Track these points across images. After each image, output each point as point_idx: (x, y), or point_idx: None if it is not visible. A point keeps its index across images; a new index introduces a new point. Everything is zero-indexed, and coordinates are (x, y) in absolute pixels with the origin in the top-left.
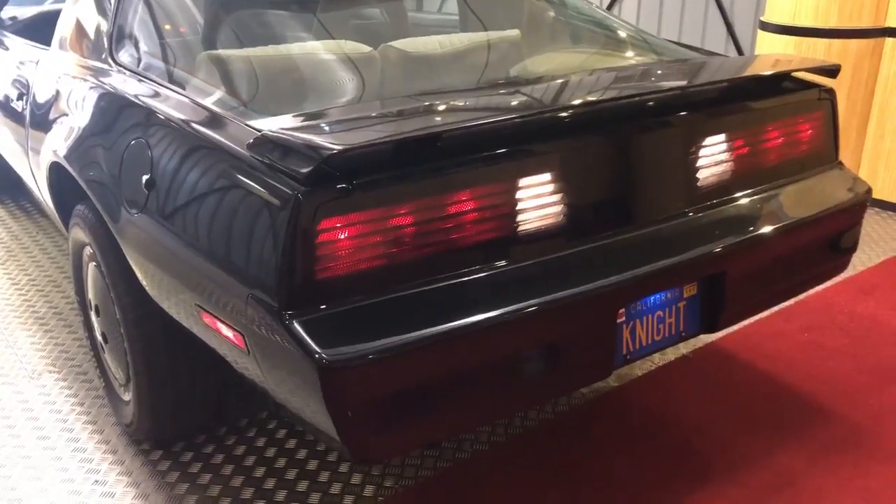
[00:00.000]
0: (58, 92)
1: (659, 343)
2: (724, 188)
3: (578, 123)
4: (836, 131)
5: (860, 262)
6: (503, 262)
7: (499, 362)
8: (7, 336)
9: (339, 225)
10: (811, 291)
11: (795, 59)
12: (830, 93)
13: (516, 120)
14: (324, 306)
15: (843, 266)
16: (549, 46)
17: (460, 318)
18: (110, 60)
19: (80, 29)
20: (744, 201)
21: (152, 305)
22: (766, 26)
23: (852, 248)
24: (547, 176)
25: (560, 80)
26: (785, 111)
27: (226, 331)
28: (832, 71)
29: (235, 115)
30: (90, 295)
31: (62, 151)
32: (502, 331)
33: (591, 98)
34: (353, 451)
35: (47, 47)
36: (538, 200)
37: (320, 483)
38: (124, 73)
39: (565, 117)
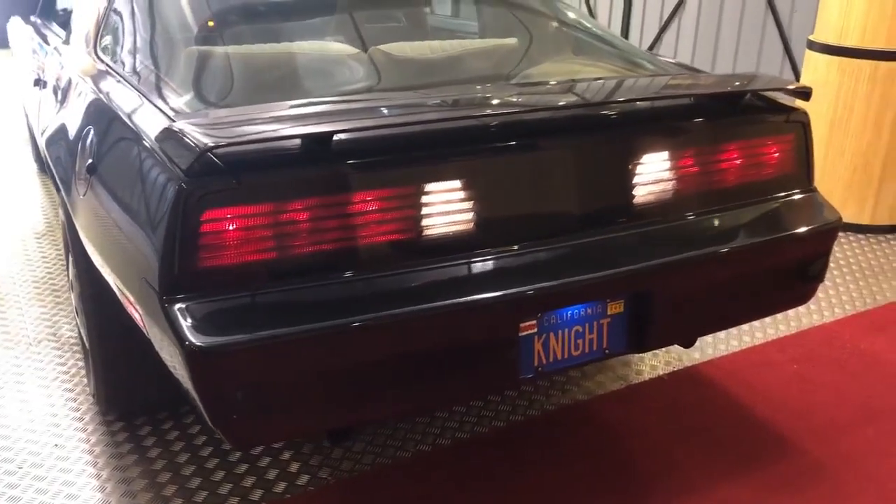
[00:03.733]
0: (56, 80)
1: (578, 358)
2: (664, 207)
3: (499, 131)
4: (808, 156)
5: (881, 295)
6: (392, 267)
7: (376, 364)
8: (22, 304)
9: (222, 217)
10: (815, 322)
11: (766, 79)
12: (802, 115)
13: (423, 125)
14: (202, 295)
15: (805, 296)
16: (540, 56)
17: (336, 318)
18: (94, 54)
19: (80, 23)
20: (685, 221)
21: (104, 282)
22: (812, 45)
23: (817, 278)
24: (450, 183)
25: (517, 88)
26: (747, 132)
27: (132, 311)
28: (804, 94)
29: (169, 110)
30: (69, 270)
31: (44, 134)
32: (376, 333)
33: (520, 107)
34: (225, 434)
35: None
36: (436, 207)
37: (259, 468)
38: (100, 66)
39: (487, 124)
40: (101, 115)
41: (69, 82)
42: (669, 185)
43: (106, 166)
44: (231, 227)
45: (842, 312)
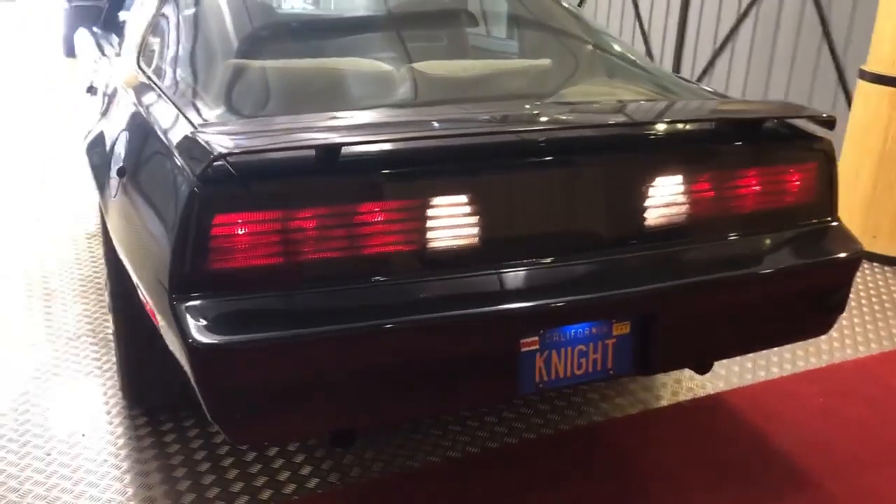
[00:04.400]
0: (104, 88)
1: (581, 378)
2: (675, 230)
3: (510, 149)
4: (831, 185)
5: None
6: (395, 277)
7: (374, 371)
8: (67, 301)
9: (232, 222)
10: (849, 356)
11: (790, 107)
12: (825, 144)
13: (430, 140)
14: (210, 296)
15: (823, 327)
16: (572, 78)
17: (336, 324)
18: (137, 64)
19: (129, 35)
20: (696, 245)
21: (130, 281)
22: (864, 75)
23: (836, 309)
24: (457, 198)
25: (533, 107)
26: (766, 159)
27: (149, 309)
28: (829, 123)
29: (195, 119)
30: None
31: (86, 139)
32: (376, 341)
33: (532, 126)
34: (224, 430)
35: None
36: (442, 221)
37: (272, 469)
38: (140, 76)
39: (498, 142)
40: (134, 122)
41: (112, 90)
42: (682, 209)
43: (133, 170)
44: (240, 232)
45: (878, 348)
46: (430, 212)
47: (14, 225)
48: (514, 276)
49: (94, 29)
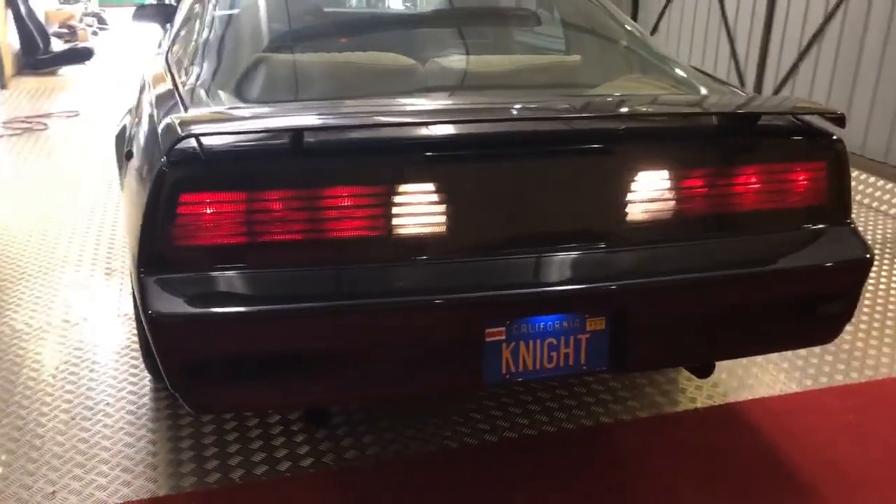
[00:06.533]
0: (140, 81)
1: (552, 371)
2: (659, 227)
3: (486, 139)
4: (842, 186)
5: None
6: (353, 261)
7: (331, 351)
8: (124, 279)
9: (196, 201)
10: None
11: (796, 103)
12: (835, 143)
13: (401, 127)
14: (173, 271)
15: (826, 335)
16: (598, 74)
17: (294, 303)
18: (165, 58)
19: (169, 32)
20: (684, 245)
21: None
22: None
23: (841, 317)
24: (423, 186)
25: (522, 98)
26: (768, 156)
27: (133, 284)
28: (839, 120)
29: (190, 106)
30: None
31: (115, 131)
32: (334, 322)
33: (509, 116)
34: (182, 398)
35: None
36: (407, 209)
37: (272, 445)
38: (164, 70)
39: (472, 132)
40: (144, 111)
41: (141, 84)
42: (670, 206)
43: (134, 154)
44: (205, 211)
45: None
46: (395, 199)
47: (89, 210)
48: (481, 265)
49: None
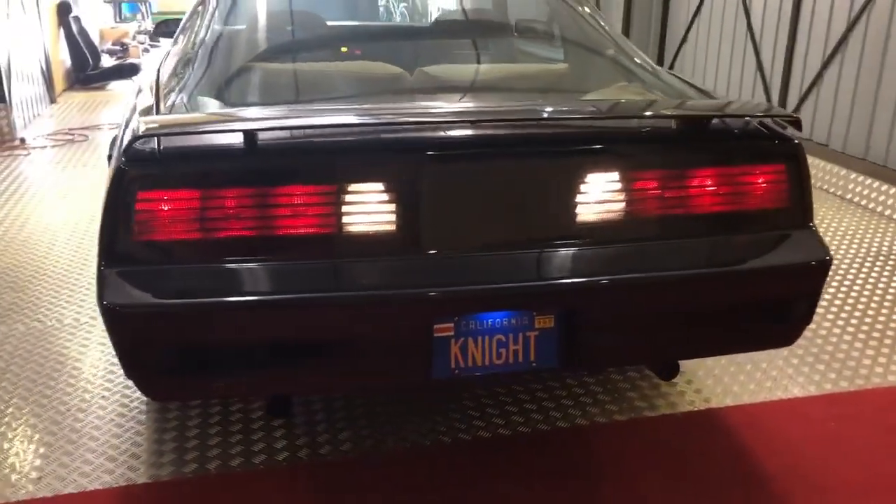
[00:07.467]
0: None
1: (501, 367)
2: (609, 228)
3: (440, 141)
4: (802, 189)
5: None
6: (306, 257)
7: (282, 343)
8: None
9: (153, 198)
10: (889, 383)
11: (755, 106)
12: (793, 147)
13: (354, 130)
14: (132, 264)
15: (786, 337)
16: (582, 82)
17: (245, 296)
18: (158, 69)
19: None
20: (635, 245)
21: None
22: None
23: (800, 320)
24: (372, 185)
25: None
26: (722, 159)
27: None
28: (796, 123)
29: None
30: None
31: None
32: (283, 315)
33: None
34: (137, 385)
35: None
36: (357, 207)
37: (252, 440)
38: (153, 79)
39: (425, 134)
40: (127, 115)
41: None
42: (621, 207)
43: (111, 157)
44: (162, 208)
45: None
46: (345, 197)
47: None
48: (430, 261)
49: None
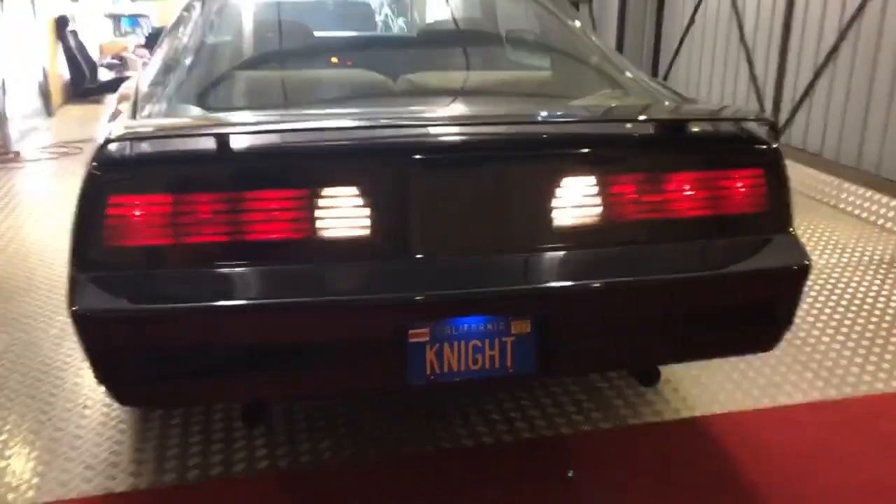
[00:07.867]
0: None
1: (478, 373)
2: (588, 232)
3: (413, 145)
4: (781, 193)
5: None
6: (279, 261)
7: (256, 349)
8: None
9: (124, 203)
10: (878, 390)
11: (732, 111)
12: (771, 152)
13: (325, 135)
14: (103, 269)
15: (765, 342)
16: (566, 90)
17: (216, 301)
18: (140, 77)
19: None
20: (612, 250)
21: None
22: None
23: (779, 324)
24: (345, 190)
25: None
26: (699, 164)
27: None
28: (772, 127)
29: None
30: None
31: None
32: (256, 321)
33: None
34: (108, 391)
35: None
36: (329, 212)
37: (234, 449)
38: (134, 86)
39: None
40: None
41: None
42: (597, 212)
43: None
44: (133, 213)
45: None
46: (318, 202)
47: None
48: (405, 266)
49: None
